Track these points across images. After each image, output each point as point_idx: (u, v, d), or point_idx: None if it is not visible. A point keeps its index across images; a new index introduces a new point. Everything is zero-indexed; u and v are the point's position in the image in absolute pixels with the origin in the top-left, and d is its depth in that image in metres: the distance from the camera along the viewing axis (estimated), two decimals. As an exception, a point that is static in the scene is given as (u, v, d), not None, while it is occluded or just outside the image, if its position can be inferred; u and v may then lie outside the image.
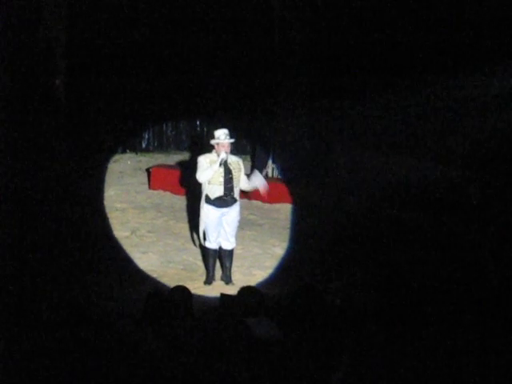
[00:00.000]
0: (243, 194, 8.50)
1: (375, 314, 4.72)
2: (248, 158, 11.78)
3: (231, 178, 7.93)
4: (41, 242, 8.33)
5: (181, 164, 11.35)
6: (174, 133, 12.70)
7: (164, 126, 12.63)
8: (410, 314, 4.68)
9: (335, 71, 10.27)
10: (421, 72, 9.11)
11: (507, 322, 4.79)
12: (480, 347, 4.40)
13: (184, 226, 9.62)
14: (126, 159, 12.25)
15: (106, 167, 11.60)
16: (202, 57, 11.73)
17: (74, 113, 11.01)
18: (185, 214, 9.93)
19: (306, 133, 11.17)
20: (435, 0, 9.10)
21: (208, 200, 7.96)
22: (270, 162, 11.59)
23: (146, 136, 12.59)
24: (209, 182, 7.91)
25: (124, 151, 12.39)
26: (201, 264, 8.55)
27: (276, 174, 11.55)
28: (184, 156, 11.97)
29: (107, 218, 9.74)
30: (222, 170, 7.88)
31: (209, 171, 7.86)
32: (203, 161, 7.92)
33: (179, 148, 12.54)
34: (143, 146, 12.59)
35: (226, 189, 7.92)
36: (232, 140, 7.97)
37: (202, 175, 7.89)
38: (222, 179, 7.90)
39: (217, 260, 8.24)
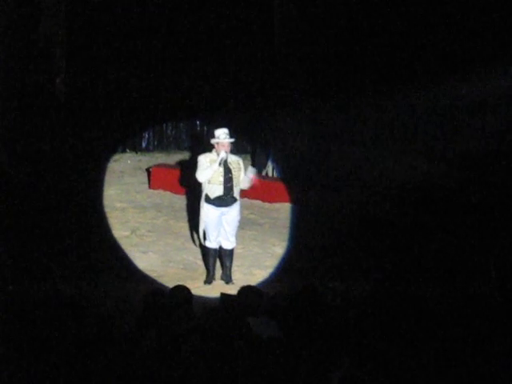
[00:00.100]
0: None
1: (375, 314, 4.72)
2: (248, 157, 11.77)
3: (231, 178, 7.93)
4: (41, 241, 8.33)
5: (181, 163, 11.34)
6: (174, 132, 12.69)
7: (164, 125, 12.62)
8: (409, 313, 4.69)
9: (335, 71, 10.28)
10: (421, 72, 9.10)
11: (507, 322, 4.80)
12: (480, 348, 4.40)
13: (184, 226, 9.62)
14: (126, 159, 12.24)
15: (106, 166, 11.59)
16: (202, 57, 11.74)
17: (74, 112, 11.01)
18: (185, 214, 9.93)
19: (305, 133, 11.18)
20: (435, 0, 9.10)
21: (208, 199, 7.96)
22: (269, 161, 11.60)
23: (146, 135, 12.58)
24: (208, 182, 7.91)
25: (124, 151, 12.38)
26: (201, 263, 8.54)
27: (275, 173, 11.55)
28: (184, 155, 11.96)
29: (107, 218, 9.74)
30: (221, 169, 7.87)
31: (208, 170, 7.85)
32: (203, 160, 7.92)
33: (179, 147, 12.53)
34: (143, 145, 12.58)
35: (225, 188, 7.91)
36: (232, 139, 7.97)
37: (201, 174, 7.89)
38: (221, 179, 7.90)
39: (217, 259, 8.24)
